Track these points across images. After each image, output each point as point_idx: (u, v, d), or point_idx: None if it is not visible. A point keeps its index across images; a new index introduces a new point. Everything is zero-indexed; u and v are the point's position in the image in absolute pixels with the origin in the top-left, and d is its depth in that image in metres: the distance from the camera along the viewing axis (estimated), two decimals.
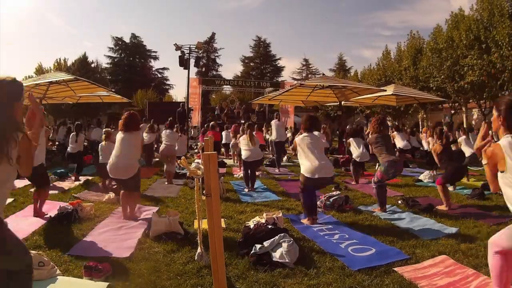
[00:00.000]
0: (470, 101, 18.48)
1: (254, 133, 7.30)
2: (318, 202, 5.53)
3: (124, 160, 4.70)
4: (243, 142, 7.09)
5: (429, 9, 73.86)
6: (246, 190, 6.82)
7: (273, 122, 10.36)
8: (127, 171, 4.69)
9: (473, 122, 22.72)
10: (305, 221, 4.70)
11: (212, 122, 12.40)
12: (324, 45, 76.69)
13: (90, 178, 7.80)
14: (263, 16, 76.15)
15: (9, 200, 5.40)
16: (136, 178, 4.78)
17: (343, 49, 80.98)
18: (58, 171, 7.83)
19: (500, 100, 2.51)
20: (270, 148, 14.66)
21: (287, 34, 77.11)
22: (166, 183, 7.43)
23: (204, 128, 13.93)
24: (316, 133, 4.96)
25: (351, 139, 8.21)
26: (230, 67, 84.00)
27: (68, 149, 8.09)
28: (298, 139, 4.87)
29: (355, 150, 7.97)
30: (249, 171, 6.99)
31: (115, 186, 6.14)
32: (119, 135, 4.89)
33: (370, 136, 5.63)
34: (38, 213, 4.68)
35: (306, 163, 4.65)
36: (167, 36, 75.30)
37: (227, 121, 18.12)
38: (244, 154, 7.05)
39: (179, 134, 9.15)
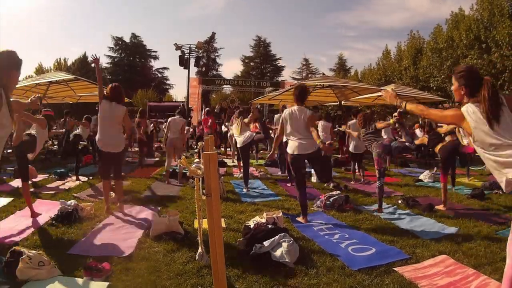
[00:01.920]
0: None
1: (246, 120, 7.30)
2: (318, 202, 5.54)
3: (111, 133, 4.92)
4: (235, 130, 7.29)
5: (385, 9, 74.48)
6: (244, 190, 6.78)
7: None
8: (117, 144, 4.95)
9: None
10: (300, 219, 4.72)
11: (208, 109, 12.14)
12: (300, 46, 77.39)
13: (90, 178, 7.80)
14: (225, 21, 76.23)
15: (9, 199, 5.40)
16: (124, 153, 4.95)
17: (317, 50, 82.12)
18: (58, 171, 7.82)
19: (456, 70, 2.45)
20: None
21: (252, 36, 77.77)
22: (177, 182, 7.39)
23: (205, 111, 13.59)
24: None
25: (349, 123, 8.08)
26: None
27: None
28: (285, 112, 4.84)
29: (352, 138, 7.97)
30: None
31: (115, 186, 6.14)
32: (103, 105, 4.97)
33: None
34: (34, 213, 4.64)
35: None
36: (167, 36, 75.31)
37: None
38: (238, 141, 7.15)
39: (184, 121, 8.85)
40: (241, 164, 9.13)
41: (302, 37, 76.23)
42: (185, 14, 73.91)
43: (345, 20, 75.58)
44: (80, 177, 7.58)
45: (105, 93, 5.06)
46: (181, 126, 7.72)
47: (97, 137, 5.01)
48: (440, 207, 5.49)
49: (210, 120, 12.42)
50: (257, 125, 11.89)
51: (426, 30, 62.76)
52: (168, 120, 7.82)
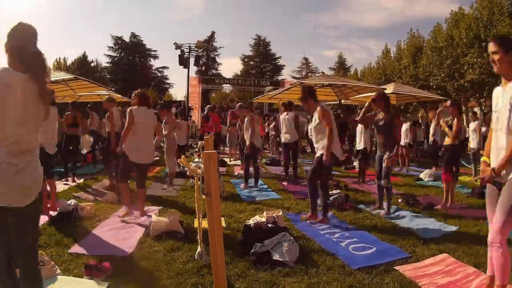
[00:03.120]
0: (471, 99, 18.49)
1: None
2: (318, 201, 5.52)
3: (146, 142, 4.75)
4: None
5: (361, 9, 76.23)
6: (242, 185, 6.85)
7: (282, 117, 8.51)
8: (150, 155, 4.86)
9: None
10: (321, 220, 4.60)
11: (209, 106, 11.65)
12: (282, 46, 77.71)
13: (91, 177, 7.80)
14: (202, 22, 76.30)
15: None
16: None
17: (301, 49, 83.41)
18: (58, 170, 7.80)
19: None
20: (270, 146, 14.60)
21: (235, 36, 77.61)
22: (165, 186, 6.90)
23: (205, 114, 13.18)
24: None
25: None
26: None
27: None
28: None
29: (359, 135, 7.55)
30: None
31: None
32: (137, 112, 4.69)
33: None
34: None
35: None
36: (167, 35, 75.35)
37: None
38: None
39: (177, 119, 8.06)
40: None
41: (283, 37, 76.99)
42: (170, 16, 73.74)
43: (322, 20, 76.96)
44: (79, 177, 7.55)
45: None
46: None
47: (126, 147, 4.66)
48: (439, 206, 5.50)
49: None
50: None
51: (405, 28, 66.11)
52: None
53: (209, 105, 11.59)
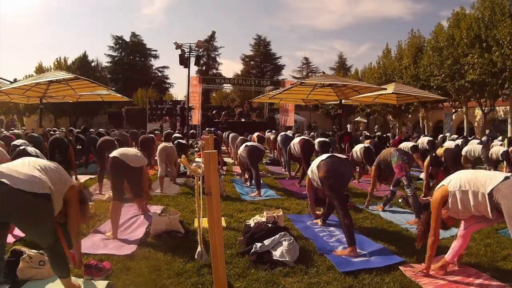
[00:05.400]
0: (471, 99, 18.47)
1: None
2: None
3: None
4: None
5: (310, 13, 77.66)
6: (253, 194, 6.31)
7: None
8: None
9: (476, 124, 22.65)
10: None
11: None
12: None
13: (92, 177, 7.80)
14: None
15: None
16: None
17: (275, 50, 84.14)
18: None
19: None
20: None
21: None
22: (158, 190, 6.36)
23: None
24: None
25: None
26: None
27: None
28: None
29: None
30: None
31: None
32: None
33: None
34: None
35: None
36: (167, 35, 75.32)
37: (227, 119, 18.17)
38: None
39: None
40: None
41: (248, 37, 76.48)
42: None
43: (276, 24, 76.60)
44: (79, 177, 7.56)
45: None
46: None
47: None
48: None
49: None
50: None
51: (359, 27, 69.53)
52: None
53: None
